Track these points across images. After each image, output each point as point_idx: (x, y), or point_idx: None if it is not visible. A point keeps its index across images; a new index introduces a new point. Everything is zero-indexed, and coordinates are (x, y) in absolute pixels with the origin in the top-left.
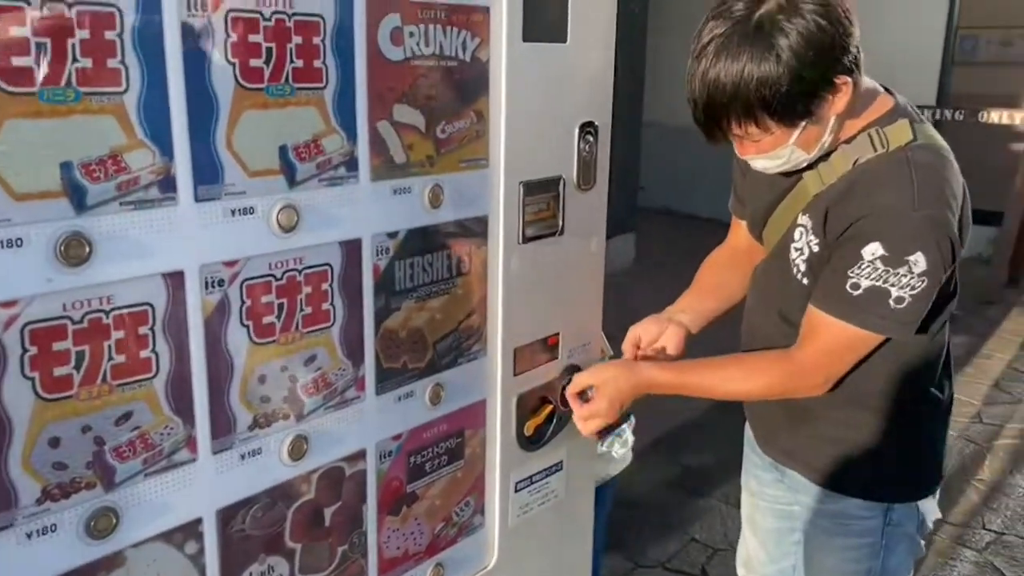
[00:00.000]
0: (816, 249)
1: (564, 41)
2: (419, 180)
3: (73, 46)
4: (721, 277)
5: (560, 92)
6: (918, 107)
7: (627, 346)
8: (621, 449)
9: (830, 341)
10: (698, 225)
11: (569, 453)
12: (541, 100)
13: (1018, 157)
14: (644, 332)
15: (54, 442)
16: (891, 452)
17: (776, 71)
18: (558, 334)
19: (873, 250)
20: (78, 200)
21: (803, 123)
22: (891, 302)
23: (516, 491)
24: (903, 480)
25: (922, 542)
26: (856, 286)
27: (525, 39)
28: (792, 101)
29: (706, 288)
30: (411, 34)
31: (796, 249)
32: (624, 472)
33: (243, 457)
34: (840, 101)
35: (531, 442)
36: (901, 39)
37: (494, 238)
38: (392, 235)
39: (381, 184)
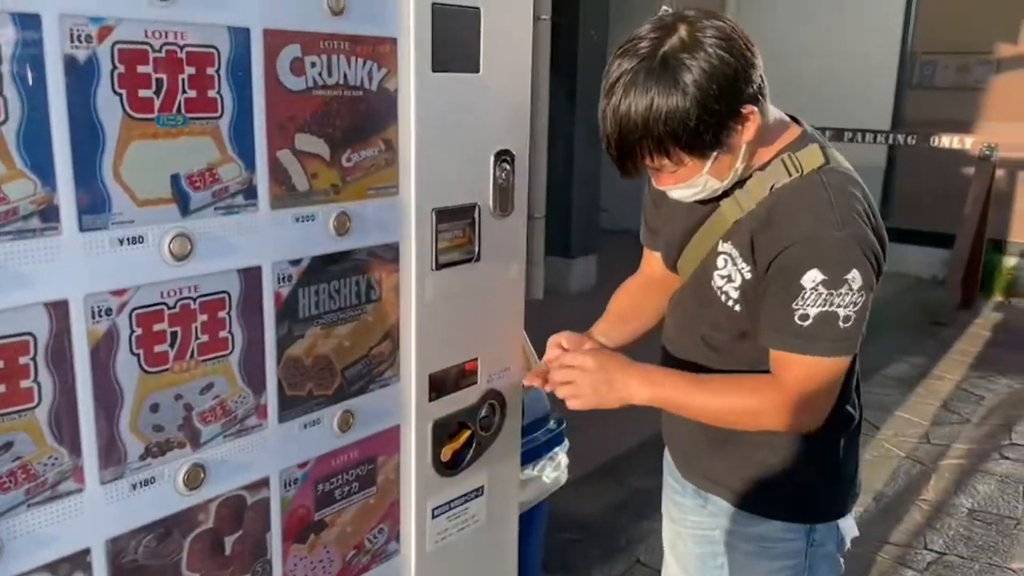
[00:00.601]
0: (748, 276)
1: (477, 71)
2: (323, 208)
3: None
4: (635, 302)
5: (474, 121)
6: (873, 132)
7: (551, 348)
8: (553, 473)
9: (800, 376)
10: None
11: (490, 478)
12: (454, 129)
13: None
14: (566, 338)
15: None
16: (811, 472)
17: (683, 105)
18: (476, 359)
19: (813, 277)
20: None
21: (714, 153)
22: (840, 323)
23: (433, 517)
24: (824, 500)
25: (841, 560)
26: (805, 316)
27: (435, 69)
28: (701, 133)
29: (620, 314)
30: (313, 64)
31: (722, 277)
32: (572, 495)
33: (135, 487)
34: (749, 130)
35: (448, 467)
36: (857, 64)
37: (406, 265)
38: (295, 262)
39: (282, 212)
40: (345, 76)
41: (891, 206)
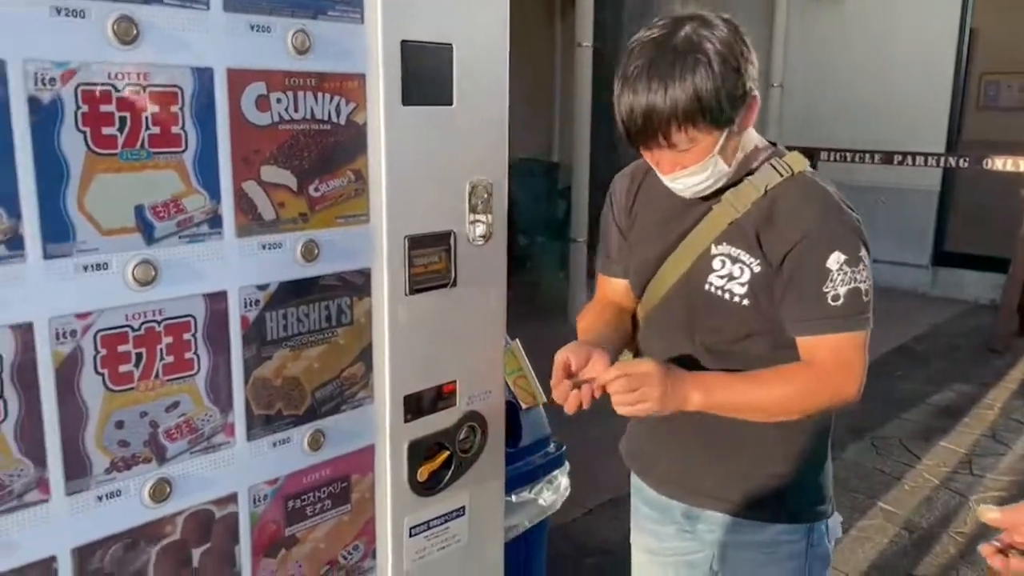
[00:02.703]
0: (758, 270)
1: (450, 104)
2: (291, 236)
3: None
4: (602, 321)
5: (448, 151)
6: (924, 154)
7: (558, 371)
8: (551, 496)
9: (837, 355)
10: None
11: (472, 499)
12: (426, 159)
13: None
14: (573, 356)
15: None
16: (808, 472)
17: (706, 75)
18: (455, 381)
19: (836, 259)
20: None
21: (727, 130)
22: (863, 297)
23: (411, 536)
24: (816, 498)
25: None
26: (836, 297)
27: (405, 103)
28: (721, 105)
29: (594, 332)
30: (278, 100)
31: (721, 277)
32: (596, 519)
33: (100, 499)
34: (751, 114)
35: (425, 487)
36: (911, 84)
37: (378, 290)
38: (262, 287)
39: (248, 240)
40: (312, 111)
41: (947, 230)
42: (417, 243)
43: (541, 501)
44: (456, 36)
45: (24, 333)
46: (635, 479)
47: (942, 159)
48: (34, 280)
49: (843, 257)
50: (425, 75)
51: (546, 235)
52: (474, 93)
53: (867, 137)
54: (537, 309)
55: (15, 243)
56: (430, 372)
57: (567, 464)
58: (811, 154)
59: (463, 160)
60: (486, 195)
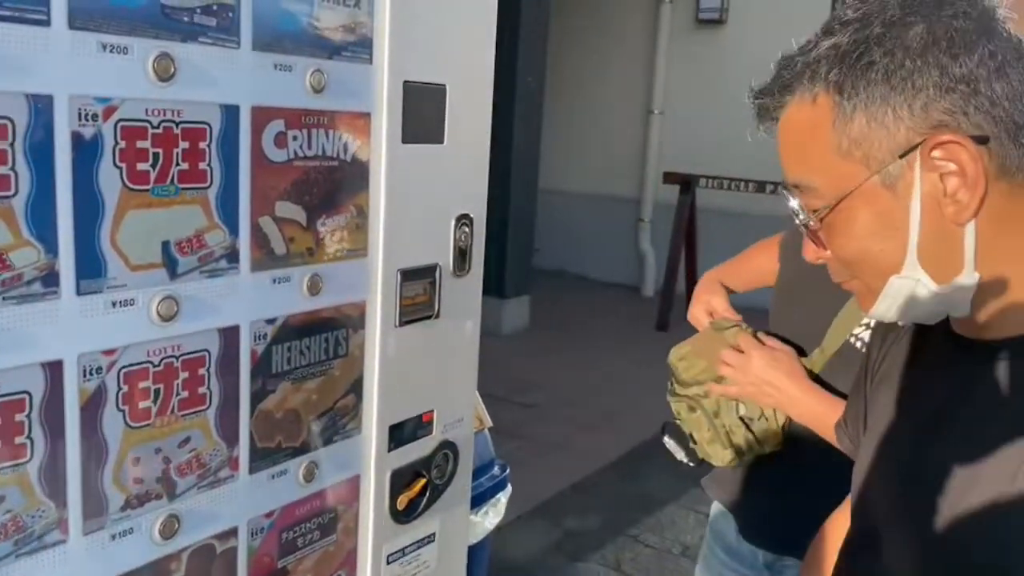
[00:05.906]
0: None
1: (441, 142)
2: (299, 270)
3: None
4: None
5: (437, 187)
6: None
7: (701, 316)
8: (495, 518)
9: None
10: (590, 286)
11: (442, 525)
12: (419, 195)
13: None
14: (718, 303)
15: None
16: None
17: None
18: (433, 411)
19: None
20: None
21: None
22: None
23: (388, 563)
24: None
25: None
26: None
27: (404, 141)
28: None
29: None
30: (294, 138)
31: None
32: (506, 536)
33: (114, 537)
34: None
35: (403, 515)
36: None
37: (372, 322)
38: (271, 321)
39: (261, 274)
40: (323, 148)
41: None
42: (409, 276)
43: (487, 524)
44: (449, 77)
45: (54, 371)
46: (718, 518)
47: None
48: (66, 317)
49: None
50: (422, 114)
51: None
52: (461, 132)
53: (743, 165)
54: None
55: (50, 280)
56: (412, 402)
57: (509, 486)
58: (689, 181)
59: (450, 195)
60: (468, 229)
